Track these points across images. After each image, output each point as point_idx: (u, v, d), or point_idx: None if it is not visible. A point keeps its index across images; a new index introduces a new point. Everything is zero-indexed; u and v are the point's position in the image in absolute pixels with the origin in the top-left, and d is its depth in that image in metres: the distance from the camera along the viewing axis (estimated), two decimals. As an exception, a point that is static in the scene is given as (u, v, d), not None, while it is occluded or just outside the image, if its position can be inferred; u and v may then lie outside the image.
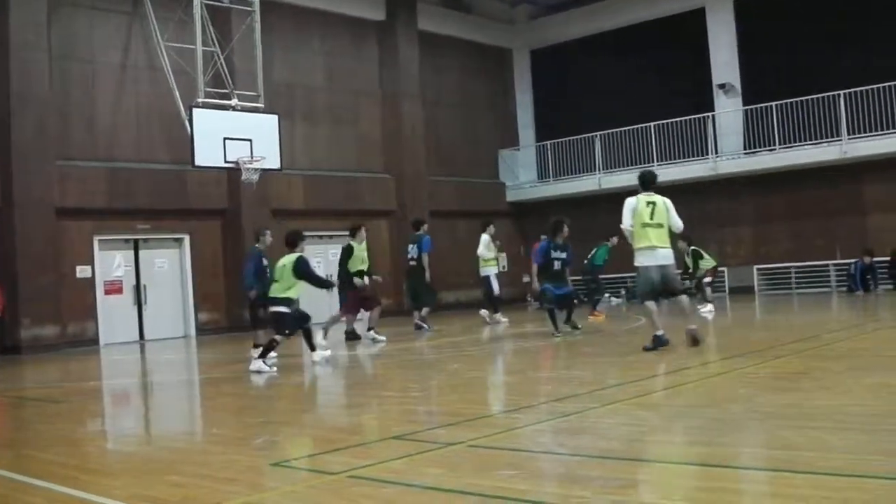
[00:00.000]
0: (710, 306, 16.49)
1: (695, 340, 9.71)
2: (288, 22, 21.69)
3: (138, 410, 8.89)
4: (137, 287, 19.04)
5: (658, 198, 9.93)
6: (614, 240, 17.02)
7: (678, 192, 23.00)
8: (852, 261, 20.74)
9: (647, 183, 10.06)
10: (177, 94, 17.71)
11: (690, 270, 17.03)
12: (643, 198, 9.87)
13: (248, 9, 18.16)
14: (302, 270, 10.63)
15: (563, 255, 12.82)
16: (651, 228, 9.73)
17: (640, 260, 9.84)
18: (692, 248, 16.90)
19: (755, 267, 22.80)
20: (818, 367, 8.10)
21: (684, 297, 10.19)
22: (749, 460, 4.72)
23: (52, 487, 4.76)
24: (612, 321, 16.29)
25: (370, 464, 4.87)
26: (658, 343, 9.68)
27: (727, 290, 23.01)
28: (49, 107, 17.42)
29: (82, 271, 18.00)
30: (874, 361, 8.32)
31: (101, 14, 18.67)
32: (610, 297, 23.57)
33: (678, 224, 9.99)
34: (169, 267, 19.64)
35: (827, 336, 10.97)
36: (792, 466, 4.25)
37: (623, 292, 23.74)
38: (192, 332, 19.57)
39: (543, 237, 13.95)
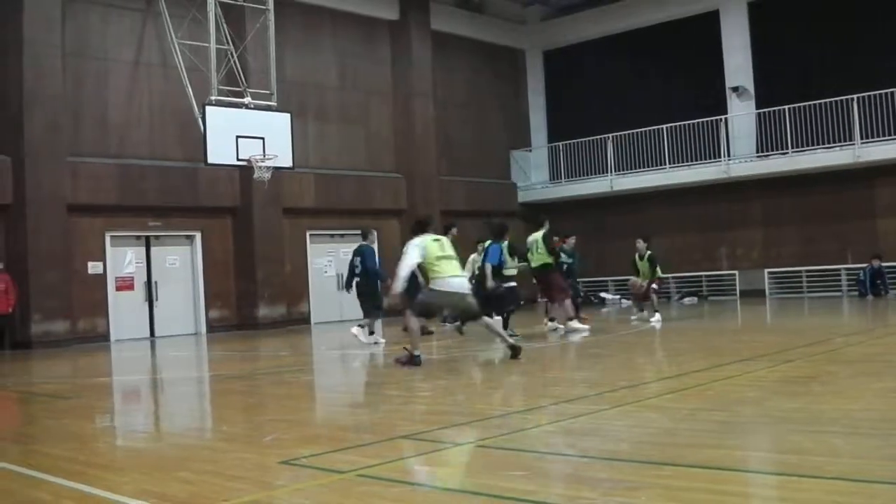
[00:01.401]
0: (658, 315, 15.65)
1: (515, 351, 9.95)
2: (301, 21, 21.73)
3: (147, 407, 8.91)
4: (149, 284, 19.12)
5: (440, 236, 10.53)
6: (571, 241, 15.98)
7: (690, 195, 23.34)
8: (863, 265, 20.66)
9: (426, 226, 10.45)
10: (190, 91, 17.75)
11: (642, 273, 16.16)
12: (428, 237, 10.22)
13: (262, 7, 18.18)
14: (519, 252, 13.32)
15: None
16: (445, 260, 10.06)
17: (435, 285, 10.07)
18: (649, 252, 16.16)
19: (766, 270, 22.71)
20: (828, 371, 8.07)
21: (485, 319, 10.46)
22: (758, 464, 4.71)
23: (60, 483, 4.77)
24: (621, 323, 16.25)
25: (379, 463, 4.87)
26: (413, 362, 9.78)
27: (738, 294, 22.95)
28: (62, 103, 17.49)
29: (94, 267, 18.10)
30: (884, 366, 8.28)
31: (114, 11, 18.75)
32: (620, 298, 23.57)
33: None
34: (180, 264, 19.72)
35: (837, 340, 10.93)
36: (801, 470, 4.24)
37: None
38: (203, 329, 19.65)
39: (488, 241, 13.45)
